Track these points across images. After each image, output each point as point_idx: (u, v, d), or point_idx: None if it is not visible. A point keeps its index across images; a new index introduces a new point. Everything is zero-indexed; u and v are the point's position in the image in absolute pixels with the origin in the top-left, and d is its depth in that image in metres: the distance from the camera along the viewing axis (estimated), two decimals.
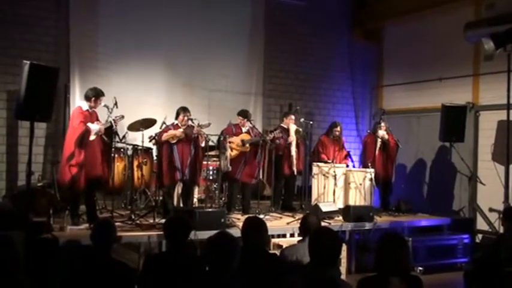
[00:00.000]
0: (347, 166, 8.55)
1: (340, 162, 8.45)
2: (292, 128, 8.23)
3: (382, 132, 8.45)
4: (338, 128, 8.61)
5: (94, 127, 6.26)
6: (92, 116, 6.40)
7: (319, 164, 8.23)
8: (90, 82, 7.81)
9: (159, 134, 7.15)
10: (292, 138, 8.15)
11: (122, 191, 7.77)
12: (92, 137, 6.22)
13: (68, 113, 7.76)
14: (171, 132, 7.07)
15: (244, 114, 7.80)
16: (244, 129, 7.74)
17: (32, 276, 3.58)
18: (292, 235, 6.68)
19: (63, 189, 6.49)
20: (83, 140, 6.14)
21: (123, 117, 6.59)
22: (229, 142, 7.50)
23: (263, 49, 9.97)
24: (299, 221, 5.08)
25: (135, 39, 8.64)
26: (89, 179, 6.27)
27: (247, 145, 7.62)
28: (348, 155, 8.65)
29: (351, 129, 10.76)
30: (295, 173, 8.21)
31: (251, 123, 7.76)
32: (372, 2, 10.57)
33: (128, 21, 8.58)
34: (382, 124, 8.55)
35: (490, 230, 8.48)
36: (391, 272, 3.15)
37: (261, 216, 6.41)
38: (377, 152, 8.43)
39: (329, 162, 8.07)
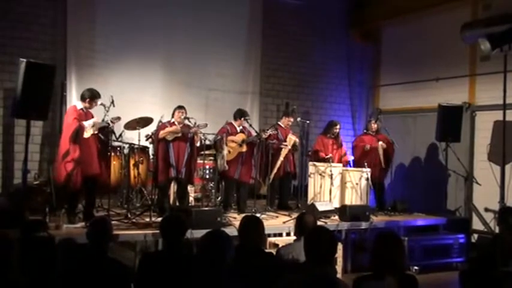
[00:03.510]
0: (348, 163, 8.54)
1: (339, 161, 8.45)
2: (290, 139, 8.21)
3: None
4: (338, 126, 8.60)
5: (88, 123, 6.24)
6: (86, 116, 6.38)
7: (316, 163, 8.23)
8: (87, 80, 7.82)
9: (156, 132, 7.17)
10: (286, 146, 8.12)
11: (118, 190, 7.76)
12: (87, 134, 6.19)
13: (65, 111, 7.73)
14: (168, 129, 7.08)
15: (241, 113, 7.78)
16: (238, 129, 7.73)
17: (27, 274, 3.57)
18: (288, 234, 6.68)
19: (59, 187, 6.48)
20: (77, 137, 6.13)
21: (119, 118, 6.55)
22: (231, 141, 7.50)
23: (260, 48, 9.98)
24: (295, 220, 5.08)
25: (133, 38, 8.64)
26: (85, 177, 6.25)
27: (244, 145, 7.62)
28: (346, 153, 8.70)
29: (347, 129, 10.76)
30: (273, 176, 8.06)
31: (248, 122, 7.74)
32: (370, 2, 10.57)
33: (126, 20, 8.58)
34: (373, 125, 8.63)
35: (485, 230, 8.50)
36: (386, 271, 3.15)
37: (258, 215, 6.41)
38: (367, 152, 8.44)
39: (327, 159, 8.08)
